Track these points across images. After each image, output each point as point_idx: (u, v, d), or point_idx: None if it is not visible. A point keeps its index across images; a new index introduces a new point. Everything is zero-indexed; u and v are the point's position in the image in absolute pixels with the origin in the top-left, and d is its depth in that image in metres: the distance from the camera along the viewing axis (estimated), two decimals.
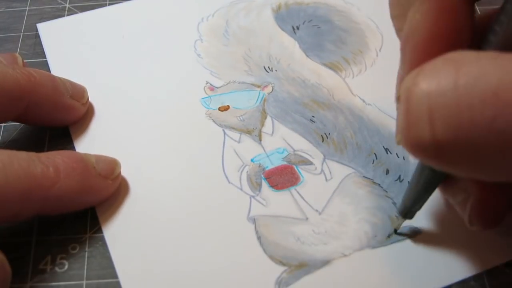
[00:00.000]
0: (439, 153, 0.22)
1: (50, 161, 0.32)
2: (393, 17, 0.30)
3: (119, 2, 0.48)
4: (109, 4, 0.48)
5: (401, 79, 0.29)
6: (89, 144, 0.38)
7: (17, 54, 0.40)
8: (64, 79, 0.38)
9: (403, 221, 0.33)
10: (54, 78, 0.38)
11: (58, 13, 0.48)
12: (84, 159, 0.34)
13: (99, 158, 0.35)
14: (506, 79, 0.20)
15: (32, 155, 0.32)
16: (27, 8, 0.48)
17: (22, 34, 0.46)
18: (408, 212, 0.32)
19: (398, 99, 0.24)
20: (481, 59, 0.21)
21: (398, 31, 0.30)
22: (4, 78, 0.34)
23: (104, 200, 0.35)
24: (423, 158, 0.23)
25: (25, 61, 0.40)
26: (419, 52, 0.26)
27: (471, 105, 0.21)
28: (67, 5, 0.48)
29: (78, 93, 0.39)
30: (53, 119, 0.38)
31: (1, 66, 0.35)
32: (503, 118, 0.20)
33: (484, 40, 0.25)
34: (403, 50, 0.28)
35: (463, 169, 0.23)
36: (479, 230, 0.29)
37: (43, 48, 0.45)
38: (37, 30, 0.46)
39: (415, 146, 0.23)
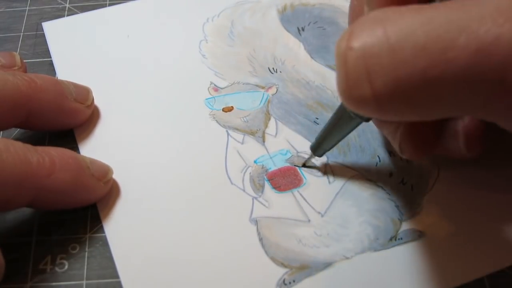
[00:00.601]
0: (380, 106, 0.25)
1: (46, 152, 0.33)
2: None
3: (119, 2, 0.49)
4: (109, 4, 0.50)
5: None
6: (93, 144, 0.39)
7: (15, 53, 0.41)
8: (67, 81, 0.39)
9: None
10: (57, 82, 0.38)
11: (58, 13, 0.49)
12: (79, 158, 0.35)
13: (93, 160, 0.36)
14: (431, 31, 0.23)
15: (29, 145, 0.33)
16: (27, 8, 0.50)
17: (22, 34, 0.47)
18: (317, 148, 0.36)
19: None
20: (404, 15, 0.24)
21: None
22: (4, 85, 0.34)
23: (95, 201, 0.36)
24: (365, 112, 0.26)
25: (25, 61, 0.41)
26: None
27: (404, 60, 0.24)
28: (67, 5, 0.50)
29: (82, 95, 0.39)
30: (57, 124, 0.39)
31: (1, 74, 0.35)
32: (434, 67, 0.23)
33: None
34: None
35: (401, 115, 0.26)
36: (410, 158, 0.33)
37: (43, 48, 0.46)
38: (37, 30, 0.47)
39: (357, 103, 0.26)
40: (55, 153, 0.33)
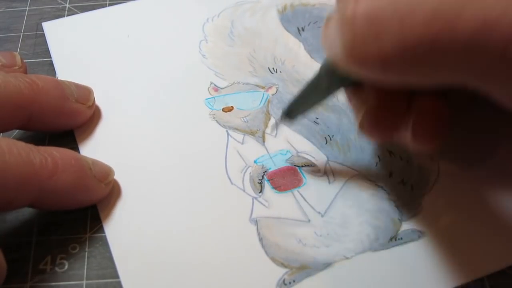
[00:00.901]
0: (384, 66, 0.27)
1: (49, 153, 0.33)
2: None
3: (119, 2, 0.50)
4: (109, 4, 0.50)
5: None
6: (93, 143, 0.39)
7: (16, 53, 0.41)
8: (68, 82, 0.39)
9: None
10: (58, 83, 0.38)
11: (58, 13, 0.49)
12: (81, 159, 0.35)
13: (95, 161, 0.36)
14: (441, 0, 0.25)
15: (31, 145, 0.33)
16: (27, 8, 0.50)
17: (22, 34, 0.48)
18: (291, 111, 0.36)
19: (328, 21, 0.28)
20: None
21: None
22: (6, 88, 0.35)
23: (95, 202, 0.36)
24: (367, 71, 0.28)
25: (25, 61, 0.41)
26: None
27: (414, 26, 0.25)
28: (67, 5, 0.50)
29: (83, 96, 0.40)
30: (58, 125, 0.39)
31: (3, 75, 0.35)
32: (442, 35, 0.25)
33: None
34: None
35: (402, 77, 0.28)
36: (367, 136, 0.34)
37: (43, 48, 0.46)
38: (37, 30, 0.47)
39: (363, 61, 0.27)
40: (57, 154, 0.33)
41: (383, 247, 0.34)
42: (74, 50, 0.46)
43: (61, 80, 0.39)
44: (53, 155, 0.33)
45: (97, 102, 0.41)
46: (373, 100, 0.33)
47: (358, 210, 0.36)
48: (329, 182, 0.37)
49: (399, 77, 0.28)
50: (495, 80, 0.26)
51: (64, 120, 0.39)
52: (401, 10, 0.25)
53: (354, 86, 0.33)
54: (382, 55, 0.26)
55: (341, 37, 0.27)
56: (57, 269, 0.34)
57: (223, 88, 0.43)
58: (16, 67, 0.40)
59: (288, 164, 0.38)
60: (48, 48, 0.46)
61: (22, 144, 0.32)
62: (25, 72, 0.41)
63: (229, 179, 0.37)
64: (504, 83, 0.26)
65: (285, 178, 0.37)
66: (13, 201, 0.32)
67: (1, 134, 0.40)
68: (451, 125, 0.32)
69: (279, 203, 0.36)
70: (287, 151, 0.39)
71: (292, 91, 0.42)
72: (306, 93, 0.35)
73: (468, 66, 0.26)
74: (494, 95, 0.27)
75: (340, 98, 0.41)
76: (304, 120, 0.40)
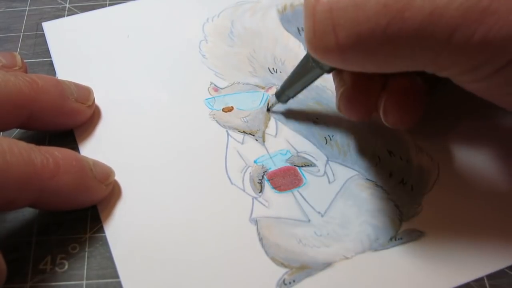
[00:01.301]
0: (343, 56, 0.29)
1: (50, 153, 0.33)
2: None
3: (119, 2, 0.50)
4: (109, 4, 0.50)
5: None
6: (93, 144, 0.39)
7: (16, 53, 0.41)
8: (68, 82, 0.39)
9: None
10: (58, 82, 0.38)
11: (58, 13, 0.49)
12: (83, 160, 0.35)
13: (96, 162, 0.36)
14: None
15: (32, 145, 0.33)
16: (27, 8, 0.50)
17: (22, 34, 0.48)
18: (281, 94, 0.39)
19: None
20: None
21: None
22: (6, 86, 0.35)
23: (96, 203, 0.36)
24: (328, 61, 0.30)
25: (25, 61, 0.41)
26: None
27: (366, 16, 0.27)
28: (67, 5, 0.50)
29: (83, 95, 0.40)
30: (58, 124, 0.39)
31: (2, 74, 0.35)
32: (392, 24, 0.27)
33: None
34: None
35: (361, 66, 0.30)
36: (345, 115, 0.36)
37: (43, 48, 0.46)
38: (37, 30, 0.47)
39: (322, 52, 0.29)
40: (59, 155, 0.33)
41: (383, 247, 0.34)
42: (74, 50, 0.46)
43: (61, 80, 0.39)
44: (54, 155, 0.33)
45: (97, 102, 0.41)
46: (349, 82, 0.35)
47: (358, 210, 0.36)
48: (329, 182, 0.37)
49: (358, 66, 0.30)
50: (445, 65, 0.29)
51: (64, 119, 0.39)
52: (357, 1, 0.27)
53: (333, 70, 0.35)
54: (339, 47, 0.28)
55: (305, 26, 0.30)
56: (57, 269, 0.34)
57: (223, 88, 0.43)
58: (17, 68, 0.40)
59: (288, 164, 0.38)
60: (48, 48, 0.46)
61: (23, 144, 0.32)
62: (26, 72, 0.41)
63: (229, 179, 0.37)
64: (454, 67, 0.29)
65: (285, 178, 0.37)
66: (14, 201, 0.32)
67: (1, 133, 0.40)
68: (424, 102, 0.35)
69: (279, 203, 0.36)
70: (287, 151, 0.39)
71: None
72: (295, 76, 0.38)
73: (420, 54, 0.28)
74: (454, 80, 0.30)
75: None
76: (304, 120, 0.40)
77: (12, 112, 0.35)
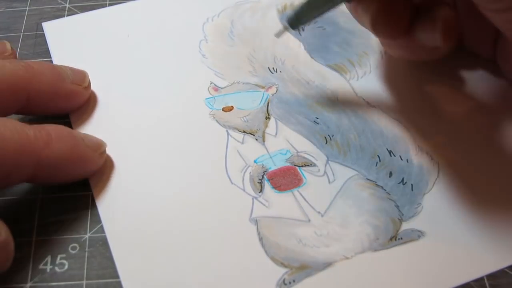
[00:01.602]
0: None
1: (42, 127, 0.34)
2: None
3: (119, 2, 0.50)
4: (109, 4, 0.50)
5: None
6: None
7: (5, 42, 0.42)
8: (64, 66, 0.40)
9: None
10: (53, 66, 0.40)
11: (58, 13, 0.49)
12: (74, 131, 0.36)
13: (86, 135, 0.37)
14: None
15: (24, 123, 0.34)
16: (27, 8, 0.50)
17: (22, 34, 0.48)
18: (295, 20, 0.38)
19: None
20: None
21: None
22: (2, 71, 0.35)
23: (92, 173, 0.37)
24: None
25: (25, 61, 0.41)
26: None
27: None
28: (67, 5, 0.50)
29: (79, 77, 0.40)
30: (56, 106, 0.40)
31: None
32: None
33: None
34: None
35: None
36: (383, 37, 0.38)
37: (43, 48, 0.46)
38: (37, 30, 0.47)
39: None
40: (50, 127, 0.35)
41: (383, 247, 0.34)
42: (74, 50, 0.46)
43: (56, 64, 0.40)
44: (46, 128, 0.34)
45: (97, 102, 0.42)
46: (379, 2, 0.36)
47: (358, 210, 0.36)
48: (329, 182, 0.37)
49: None
50: None
51: (61, 101, 0.40)
52: None
53: None
54: None
55: None
56: (57, 269, 0.34)
57: (223, 87, 0.43)
58: (7, 53, 0.41)
59: (288, 164, 0.38)
60: (48, 48, 0.46)
61: (15, 120, 0.33)
62: (15, 58, 0.42)
63: (229, 178, 0.37)
64: None
65: (285, 178, 0.37)
66: (11, 175, 0.32)
67: None
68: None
69: (279, 203, 0.36)
70: (287, 150, 0.39)
71: (292, 91, 0.42)
72: (312, 1, 0.36)
73: None
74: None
75: (340, 98, 0.41)
76: (304, 120, 0.40)
77: (10, 96, 0.36)
